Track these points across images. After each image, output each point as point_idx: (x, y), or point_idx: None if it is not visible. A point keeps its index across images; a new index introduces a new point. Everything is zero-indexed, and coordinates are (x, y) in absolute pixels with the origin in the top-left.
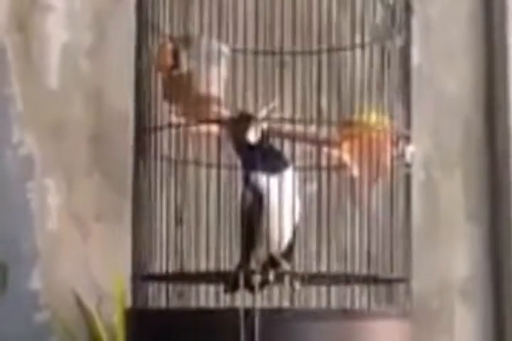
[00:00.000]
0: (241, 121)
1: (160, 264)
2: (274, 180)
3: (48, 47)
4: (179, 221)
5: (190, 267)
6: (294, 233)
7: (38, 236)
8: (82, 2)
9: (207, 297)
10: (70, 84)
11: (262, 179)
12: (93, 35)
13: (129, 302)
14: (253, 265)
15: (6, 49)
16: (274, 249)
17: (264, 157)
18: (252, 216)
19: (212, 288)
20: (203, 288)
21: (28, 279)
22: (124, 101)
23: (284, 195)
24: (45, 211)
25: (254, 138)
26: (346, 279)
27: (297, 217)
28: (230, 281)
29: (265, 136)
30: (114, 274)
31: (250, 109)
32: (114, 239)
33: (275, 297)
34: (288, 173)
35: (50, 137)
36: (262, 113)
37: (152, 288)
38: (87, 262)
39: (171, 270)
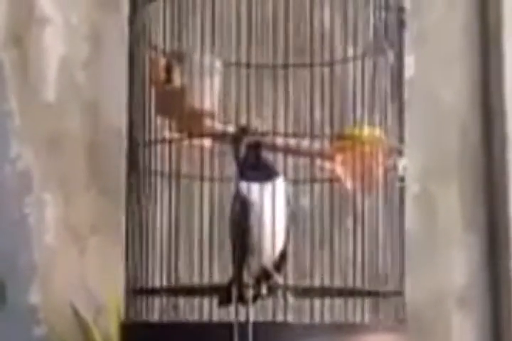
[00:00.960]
0: (240, 135)
1: (153, 278)
2: (261, 190)
3: (45, 61)
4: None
5: (183, 281)
6: (286, 244)
7: (36, 251)
8: (78, 15)
9: (200, 311)
10: (66, 97)
11: (249, 188)
12: (90, 48)
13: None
14: (246, 278)
15: (4, 64)
16: (266, 261)
17: (253, 167)
18: (239, 226)
19: (206, 302)
20: (196, 301)
21: (26, 293)
22: (122, 114)
23: (274, 205)
24: (43, 225)
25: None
26: (339, 292)
27: (285, 228)
28: (222, 295)
29: (253, 146)
30: (110, 287)
31: (243, 122)
32: (111, 252)
33: (269, 310)
34: (278, 184)
35: (47, 151)
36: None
37: (145, 301)
38: (84, 275)
39: (164, 283)
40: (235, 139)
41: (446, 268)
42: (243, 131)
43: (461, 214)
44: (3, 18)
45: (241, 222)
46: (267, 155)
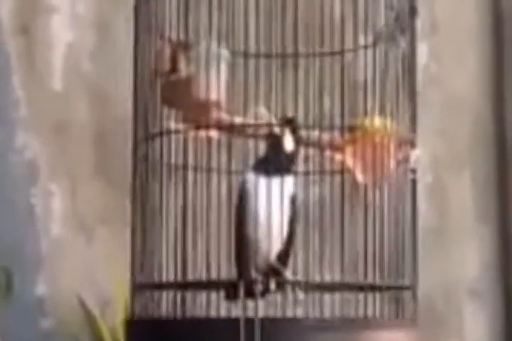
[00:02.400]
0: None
1: (159, 272)
2: (267, 184)
3: (52, 50)
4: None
5: (191, 275)
6: (290, 240)
7: (43, 242)
8: (85, 4)
9: (208, 306)
10: (73, 86)
11: (255, 181)
12: (96, 37)
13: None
14: (253, 273)
15: (10, 53)
16: (265, 255)
17: (265, 160)
18: (238, 218)
19: (213, 297)
20: (203, 296)
21: (33, 285)
22: (129, 103)
23: (268, 200)
24: (50, 215)
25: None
26: (350, 287)
27: (287, 222)
28: (230, 290)
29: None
30: (118, 278)
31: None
32: (119, 242)
33: (278, 305)
34: (286, 178)
35: (54, 140)
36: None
37: (151, 296)
38: (92, 267)
39: (171, 278)
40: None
41: (458, 259)
42: (288, 122)
43: (474, 205)
44: (10, 6)
45: (239, 214)
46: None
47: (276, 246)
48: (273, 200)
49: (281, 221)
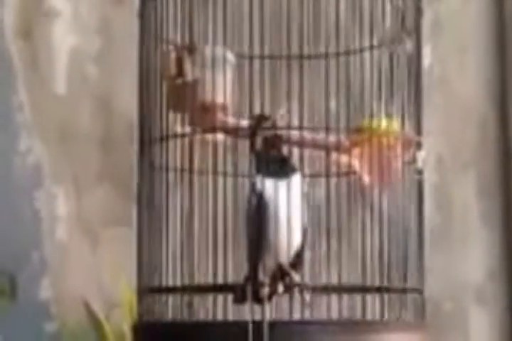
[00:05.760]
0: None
1: (166, 276)
2: (277, 186)
3: (55, 54)
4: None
5: (198, 279)
6: (303, 242)
7: (47, 245)
8: (88, 7)
9: (214, 310)
10: (77, 90)
11: (264, 184)
12: (100, 41)
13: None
14: (261, 276)
15: (13, 57)
16: (282, 259)
17: (270, 163)
18: (257, 223)
19: (220, 301)
20: (210, 300)
21: (38, 289)
22: (133, 107)
23: (291, 202)
24: (54, 219)
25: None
26: (357, 289)
27: (304, 225)
28: (237, 293)
29: (271, 140)
30: (123, 282)
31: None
32: (124, 246)
33: (285, 308)
34: (295, 179)
35: (58, 144)
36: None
37: (158, 300)
38: (97, 270)
39: (178, 282)
40: (252, 131)
41: (462, 261)
42: (259, 120)
43: (478, 206)
44: (13, 11)
45: (256, 219)
46: (285, 150)
47: (294, 248)
48: (288, 202)
49: (297, 223)
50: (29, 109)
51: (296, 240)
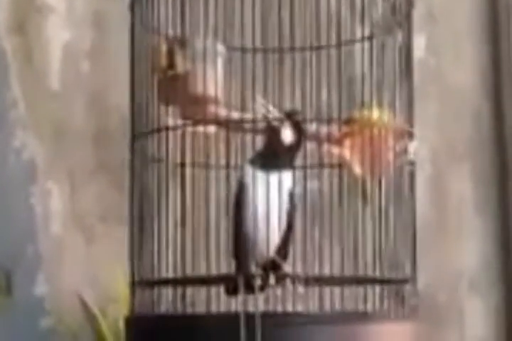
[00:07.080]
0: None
1: (159, 269)
2: (266, 179)
3: (49, 49)
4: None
5: (190, 271)
6: (288, 234)
7: (42, 241)
8: (81, 2)
9: (208, 302)
10: (71, 85)
11: (252, 175)
12: (94, 36)
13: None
14: (252, 267)
15: (6, 52)
16: (263, 249)
17: (261, 154)
18: (236, 212)
19: (213, 292)
20: (203, 292)
21: (33, 284)
22: (127, 102)
23: (267, 195)
24: (49, 215)
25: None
26: (350, 280)
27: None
28: (229, 285)
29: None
30: (118, 277)
31: (249, 107)
32: (119, 241)
33: (278, 300)
34: (285, 175)
35: (52, 140)
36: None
37: (151, 293)
38: (92, 265)
39: (170, 274)
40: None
41: (457, 252)
42: (290, 116)
43: (473, 197)
44: (6, 6)
45: (237, 209)
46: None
47: (275, 240)
48: (271, 195)
49: (280, 215)
50: (23, 105)
51: (276, 231)
